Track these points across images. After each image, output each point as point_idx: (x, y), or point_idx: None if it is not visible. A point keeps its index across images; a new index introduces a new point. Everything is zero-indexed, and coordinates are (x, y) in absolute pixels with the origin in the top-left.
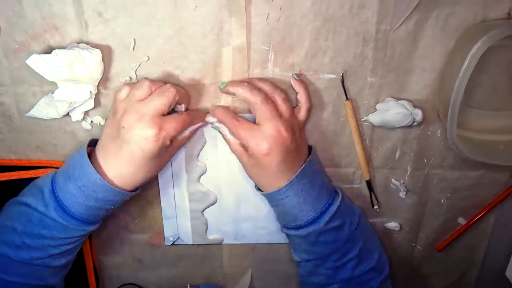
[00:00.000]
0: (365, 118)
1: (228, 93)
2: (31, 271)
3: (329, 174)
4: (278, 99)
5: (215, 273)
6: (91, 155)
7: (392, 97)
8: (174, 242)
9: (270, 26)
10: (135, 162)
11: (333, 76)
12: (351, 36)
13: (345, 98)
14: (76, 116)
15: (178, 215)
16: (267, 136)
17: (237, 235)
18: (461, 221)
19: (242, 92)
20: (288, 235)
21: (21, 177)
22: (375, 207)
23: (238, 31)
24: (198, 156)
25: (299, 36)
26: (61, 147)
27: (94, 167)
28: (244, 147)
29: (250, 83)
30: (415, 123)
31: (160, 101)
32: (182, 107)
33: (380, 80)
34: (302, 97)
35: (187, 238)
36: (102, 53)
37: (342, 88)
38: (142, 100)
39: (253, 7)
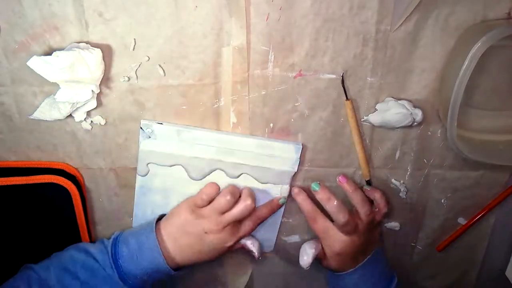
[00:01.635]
0: (365, 118)
1: (319, 196)
2: None
3: (329, 174)
4: (361, 212)
5: (215, 273)
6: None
7: (392, 97)
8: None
9: (270, 26)
10: (206, 255)
11: (333, 76)
12: (351, 36)
13: (345, 98)
14: (79, 116)
15: None
16: (341, 245)
17: None
18: (461, 221)
19: (330, 208)
20: None
21: (22, 182)
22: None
23: (238, 31)
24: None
25: (299, 36)
26: (61, 147)
27: (162, 253)
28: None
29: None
30: (415, 123)
31: (240, 214)
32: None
33: (380, 80)
34: (380, 204)
35: None
36: (102, 52)
37: (342, 88)
38: (224, 212)
39: (253, 7)
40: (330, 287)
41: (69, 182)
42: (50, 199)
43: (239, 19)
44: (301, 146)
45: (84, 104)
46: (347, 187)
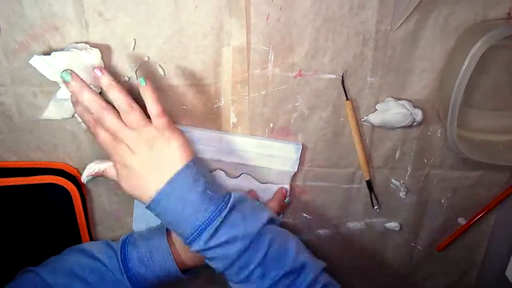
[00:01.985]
0: (365, 118)
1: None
2: None
3: (329, 174)
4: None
5: (215, 273)
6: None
7: (392, 97)
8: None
9: (270, 26)
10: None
11: (333, 76)
12: (351, 36)
13: (345, 98)
14: None
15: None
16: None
17: None
18: (461, 221)
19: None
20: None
21: (20, 183)
22: (375, 207)
23: (238, 31)
24: None
25: (299, 36)
26: (61, 147)
27: (174, 257)
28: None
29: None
30: (415, 123)
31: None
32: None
33: (380, 80)
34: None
35: None
36: (102, 53)
37: (342, 88)
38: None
39: (253, 7)
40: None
41: (69, 183)
42: (50, 199)
43: (239, 19)
44: (301, 146)
45: None
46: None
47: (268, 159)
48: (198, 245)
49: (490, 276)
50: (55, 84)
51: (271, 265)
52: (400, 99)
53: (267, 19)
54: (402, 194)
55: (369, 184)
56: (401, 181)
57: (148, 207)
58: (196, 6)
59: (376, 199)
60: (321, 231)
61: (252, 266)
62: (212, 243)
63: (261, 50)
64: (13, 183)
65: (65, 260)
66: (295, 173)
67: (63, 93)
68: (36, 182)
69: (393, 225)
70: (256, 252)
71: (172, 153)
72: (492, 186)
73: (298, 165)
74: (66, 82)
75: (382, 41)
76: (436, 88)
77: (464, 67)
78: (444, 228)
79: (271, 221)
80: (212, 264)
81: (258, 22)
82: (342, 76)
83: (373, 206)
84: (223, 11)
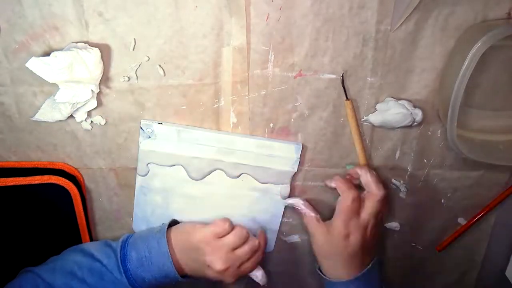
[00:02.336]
0: (365, 118)
1: (352, 174)
2: None
3: (329, 174)
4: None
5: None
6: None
7: (392, 97)
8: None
9: (270, 26)
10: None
11: (333, 76)
12: (351, 36)
13: (345, 98)
14: (80, 116)
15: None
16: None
17: None
18: (461, 221)
19: (371, 180)
20: None
21: (20, 183)
22: None
23: (238, 31)
24: None
25: (299, 36)
26: (61, 147)
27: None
28: (319, 221)
29: (376, 174)
30: (415, 123)
31: (245, 258)
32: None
33: (380, 80)
34: (371, 185)
35: None
36: (102, 53)
37: (342, 88)
38: (234, 249)
39: (253, 7)
40: None
41: (69, 183)
42: (50, 199)
43: (239, 19)
44: (301, 146)
45: (84, 104)
46: (358, 170)
47: (268, 159)
48: None
49: (490, 276)
50: (55, 85)
51: None
52: (400, 99)
53: (267, 19)
54: (402, 194)
55: None
56: (401, 181)
57: (331, 282)
58: (196, 6)
59: None
60: None
61: None
62: None
63: (261, 50)
64: (13, 183)
65: (65, 260)
66: (295, 173)
67: (62, 96)
68: (36, 182)
69: (393, 225)
70: None
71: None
72: (492, 186)
73: (298, 165)
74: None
75: (382, 41)
76: (436, 88)
77: (464, 67)
78: (444, 228)
79: None
80: None
81: (258, 22)
82: (342, 76)
83: None
84: (223, 11)
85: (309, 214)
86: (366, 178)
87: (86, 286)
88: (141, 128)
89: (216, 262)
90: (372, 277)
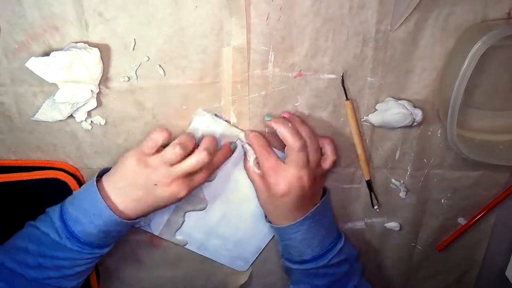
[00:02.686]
0: (365, 118)
1: (269, 126)
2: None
3: (329, 174)
4: (311, 148)
5: (215, 274)
6: (100, 189)
7: (392, 97)
8: (142, 227)
9: (270, 27)
10: (157, 206)
11: (333, 76)
12: (351, 36)
13: (345, 98)
14: (80, 116)
15: None
16: (290, 181)
17: (201, 246)
18: (461, 221)
19: (284, 132)
20: (289, 269)
21: (21, 178)
22: (375, 207)
23: (238, 31)
24: None
25: (299, 36)
26: (61, 147)
27: (109, 206)
28: (263, 179)
29: (292, 124)
30: (415, 123)
31: (191, 167)
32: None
33: (380, 80)
34: (328, 150)
35: (156, 228)
36: (102, 53)
37: (342, 88)
38: (174, 164)
39: (253, 7)
40: (279, 248)
41: (70, 177)
42: (51, 194)
43: (239, 19)
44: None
45: (84, 104)
46: (294, 122)
47: None
48: (322, 262)
49: (490, 276)
50: (55, 85)
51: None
52: (400, 99)
53: (267, 19)
54: (402, 194)
55: (369, 184)
56: (401, 181)
57: (280, 228)
58: (196, 6)
59: (376, 199)
60: None
61: (350, 285)
62: (333, 260)
63: (261, 50)
64: (14, 179)
65: (12, 238)
66: None
67: (61, 96)
68: (37, 177)
69: (393, 225)
70: (352, 277)
71: (320, 190)
72: (492, 186)
73: None
74: (268, 121)
75: (382, 41)
76: (436, 88)
77: (464, 67)
78: (444, 228)
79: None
80: (317, 282)
81: (258, 22)
82: (342, 76)
83: (373, 206)
84: (223, 11)
85: (253, 169)
86: (281, 132)
87: (29, 255)
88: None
89: (158, 174)
90: (323, 214)
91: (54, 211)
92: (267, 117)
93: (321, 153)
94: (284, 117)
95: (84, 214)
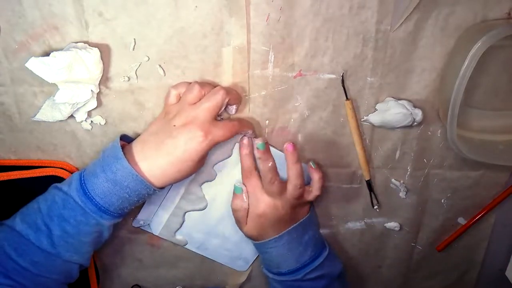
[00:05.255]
0: (365, 118)
1: (259, 154)
2: (45, 261)
3: (329, 174)
4: (294, 184)
5: (215, 273)
6: (126, 147)
7: (392, 97)
8: (141, 226)
9: (270, 27)
10: (173, 158)
11: (333, 76)
12: (351, 36)
13: (345, 98)
14: (80, 116)
15: (162, 205)
16: (265, 206)
17: (201, 246)
18: (461, 221)
19: (269, 165)
20: (268, 277)
21: (21, 176)
22: (375, 207)
23: (238, 31)
24: (215, 165)
25: (299, 36)
26: (61, 147)
27: (125, 155)
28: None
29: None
30: (415, 123)
31: (211, 105)
32: (233, 108)
33: (380, 80)
34: (315, 185)
35: (156, 228)
36: (102, 53)
37: (342, 88)
38: (194, 103)
39: (253, 7)
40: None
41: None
42: None
43: (239, 19)
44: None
45: (84, 104)
46: (290, 157)
47: None
48: (297, 276)
49: (490, 276)
50: (55, 85)
51: None
52: (400, 99)
53: (267, 19)
54: (402, 194)
55: (369, 184)
56: (401, 181)
57: (257, 244)
58: (196, 6)
59: (376, 199)
60: (321, 231)
61: None
62: (309, 276)
63: (261, 50)
64: (15, 177)
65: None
66: None
67: (61, 96)
68: (38, 175)
69: (393, 225)
70: None
71: (302, 212)
72: (492, 186)
73: None
74: (258, 150)
75: (382, 41)
76: (436, 88)
77: (464, 67)
78: (444, 228)
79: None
80: None
81: (258, 22)
82: (342, 76)
83: (373, 206)
84: (223, 11)
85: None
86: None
87: (39, 214)
88: None
89: (178, 115)
90: (301, 232)
91: (78, 171)
92: (260, 145)
93: (305, 186)
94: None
95: (99, 164)
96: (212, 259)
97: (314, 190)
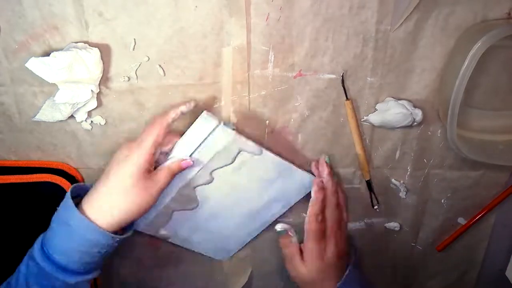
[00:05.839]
0: (365, 118)
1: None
2: None
3: None
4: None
5: (215, 273)
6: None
7: (392, 97)
8: None
9: (270, 26)
10: (118, 189)
11: (333, 76)
12: (351, 36)
13: (345, 98)
14: (80, 116)
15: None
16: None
17: (185, 240)
18: (461, 221)
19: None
20: None
21: (21, 181)
22: (375, 207)
23: (238, 31)
24: (213, 170)
25: (299, 36)
26: (61, 147)
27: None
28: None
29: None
30: (415, 123)
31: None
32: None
33: (380, 80)
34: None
35: (140, 223)
36: (102, 53)
37: (342, 88)
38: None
39: (253, 7)
40: None
41: (67, 182)
42: (47, 197)
43: (239, 19)
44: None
45: (84, 104)
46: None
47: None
48: None
49: (490, 276)
50: (55, 85)
51: None
52: (400, 99)
53: (267, 19)
54: (402, 194)
55: (369, 184)
56: (401, 181)
57: None
58: (196, 6)
59: (376, 199)
60: None
61: None
62: None
63: (261, 50)
64: (11, 181)
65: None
66: None
67: (62, 96)
68: (34, 180)
69: (393, 225)
70: None
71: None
72: (492, 186)
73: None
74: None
75: (382, 41)
76: (436, 88)
77: (464, 67)
78: (444, 228)
79: None
80: None
81: (258, 22)
82: (342, 76)
83: (373, 206)
84: (223, 11)
85: (296, 249)
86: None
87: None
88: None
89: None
90: (353, 278)
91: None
92: (326, 159)
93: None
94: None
95: (58, 224)
96: (193, 250)
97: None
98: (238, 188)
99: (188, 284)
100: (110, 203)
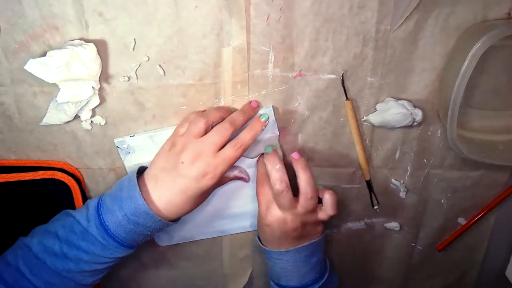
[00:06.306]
0: (365, 118)
1: (266, 160)
2: (59, 282)
3: (329, 174)
4: (305, 196)
5: (215, 273)
6: (139, 181)
7: (392, 97)
8: None
9: (270, 27)
10: (187, 195)
11: (333, 76)
12: (351, 36)
13: (345, 98)
14: (85, 115)
15: None
16: (273, 218)
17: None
18: (461, 221)
19: (271, 171)
20: (270, 283)
21: (21, 179)
22: (375, 207)
23: (238, 31)
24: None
25: (299, 36)
26: (61, 147)
27: (142, 193)
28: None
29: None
30: (415, 123)
31: (216, 140)
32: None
33: (380, 80)
34: (327, 203)
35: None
36: (101, 53)
37: (342, 88)
38: (200, 137)
39: (253, 8)
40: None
41: (70, 178)
42: (51, 194)
43: (239, 19)
44: (271, 107)
45: (87, 102)
46: (297, 164)
47: None
48: None
49: (490, 276)
50: (55, 84)
51: None
52: (400, 99)
53: (267, 19)
54: (402, 194)
55: (369, 184)
56: (401, 181)
57: (265, 250)
58: (196, 6)
59: (376, 199)
60: None
61: None
62: None
63: (261, 50)
64: (15, 179)
65: (48, 223)
66: None
67: (63, 96)
68: (37, 177)
69: (393, 225)
70: None
71: (314, 231)
72: (492, 186)
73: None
74: (265, 153)
75: (382, 41)
76: (436, 88)
77: (464, 67)
78: (444, 228)
79: None
80: None
81: (258, 22)
82: (342, 76)
83: (373, 206)
84: (223, 11)
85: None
86: (269, 169)
87: (57, 240)
88: (117, 147)
89: (185, 150)
90: (307, 254)
91: (92, 201)
92: (268, 148)
93: (318, 202)
94: (294, 157)
95: (118, 202)
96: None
97: (327, 208)
98: (239, 187)
99: (188, 284)
100: (175, 201)
